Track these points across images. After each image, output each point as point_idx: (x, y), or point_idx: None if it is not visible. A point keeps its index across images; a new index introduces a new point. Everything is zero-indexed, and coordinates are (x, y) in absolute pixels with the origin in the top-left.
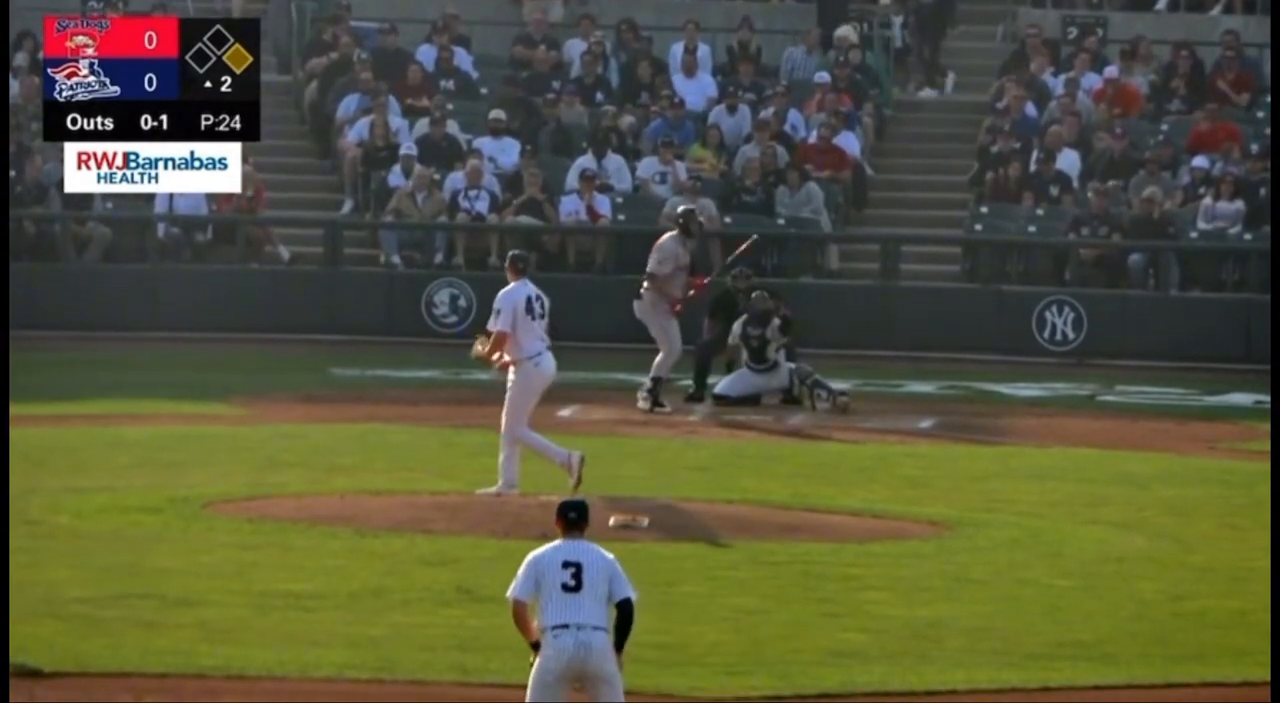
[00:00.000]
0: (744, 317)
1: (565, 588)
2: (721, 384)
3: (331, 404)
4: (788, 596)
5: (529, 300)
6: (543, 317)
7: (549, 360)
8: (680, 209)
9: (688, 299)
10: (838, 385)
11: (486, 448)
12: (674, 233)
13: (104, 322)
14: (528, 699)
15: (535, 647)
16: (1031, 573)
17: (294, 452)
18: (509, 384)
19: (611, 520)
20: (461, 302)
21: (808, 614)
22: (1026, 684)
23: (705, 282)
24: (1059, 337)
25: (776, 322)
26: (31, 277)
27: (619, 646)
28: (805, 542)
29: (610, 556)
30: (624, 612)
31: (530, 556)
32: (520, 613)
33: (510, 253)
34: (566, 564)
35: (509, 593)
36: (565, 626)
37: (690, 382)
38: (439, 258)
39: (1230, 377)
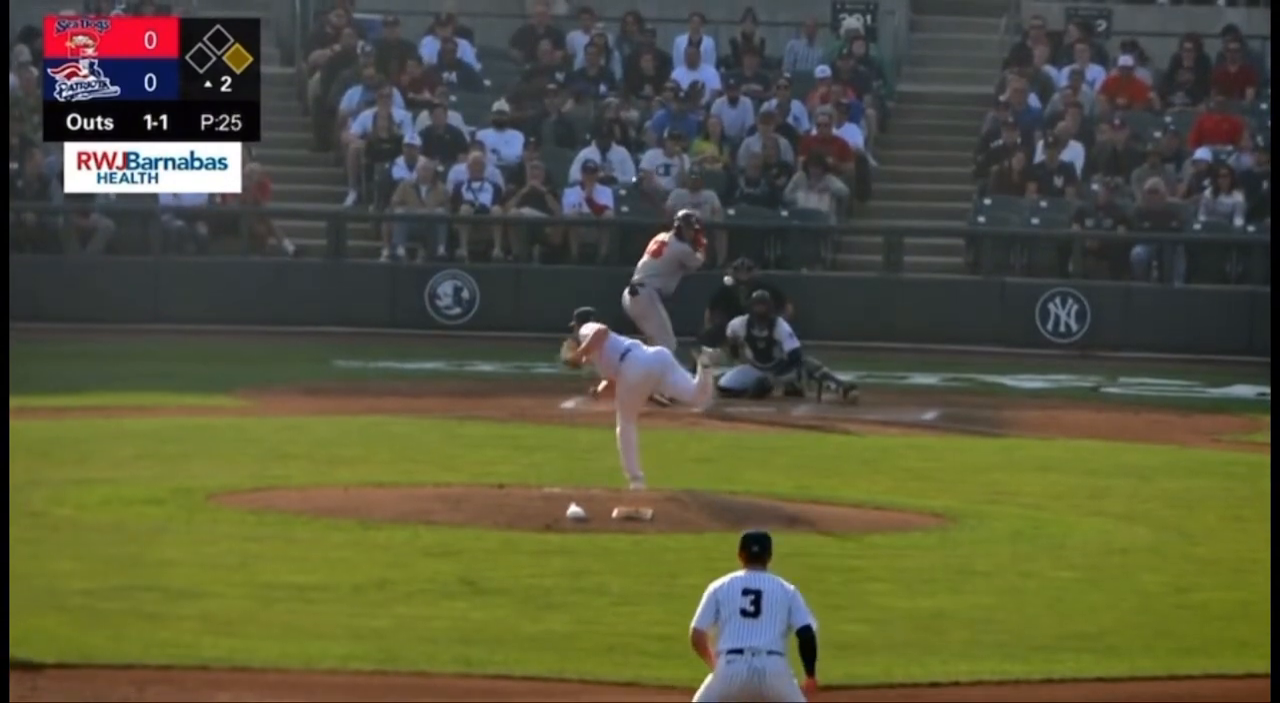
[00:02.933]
0: (746, 317)
1: (744, 614)
2: (726, 377)
3: (335, 396)
4: None
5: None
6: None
7: (638, 352)
8: (681, 214)
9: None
10: (845, 378)
11: (490, 440)
12: (673, 233)
13: (107, 314)
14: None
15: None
16: (1034, 565)
17: (297, 444)
18: (616, 387)
19: (615, 512)
20: (464, 293)
21: (811, 606)
22: (1029, 676)
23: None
24: (1062, 329)
25: (788, 337)
26: (34, 269)
27: (809, 670)
28: (808, 533)
29: (792, 586)
30: (805, 639)
31: (711, 586)
32: (699, 642)
33: (577, 311)
34: (746, 591)
35: (692, 624)
36: (740, 650)
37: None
38: (442, 250)
39: (1233, 369)
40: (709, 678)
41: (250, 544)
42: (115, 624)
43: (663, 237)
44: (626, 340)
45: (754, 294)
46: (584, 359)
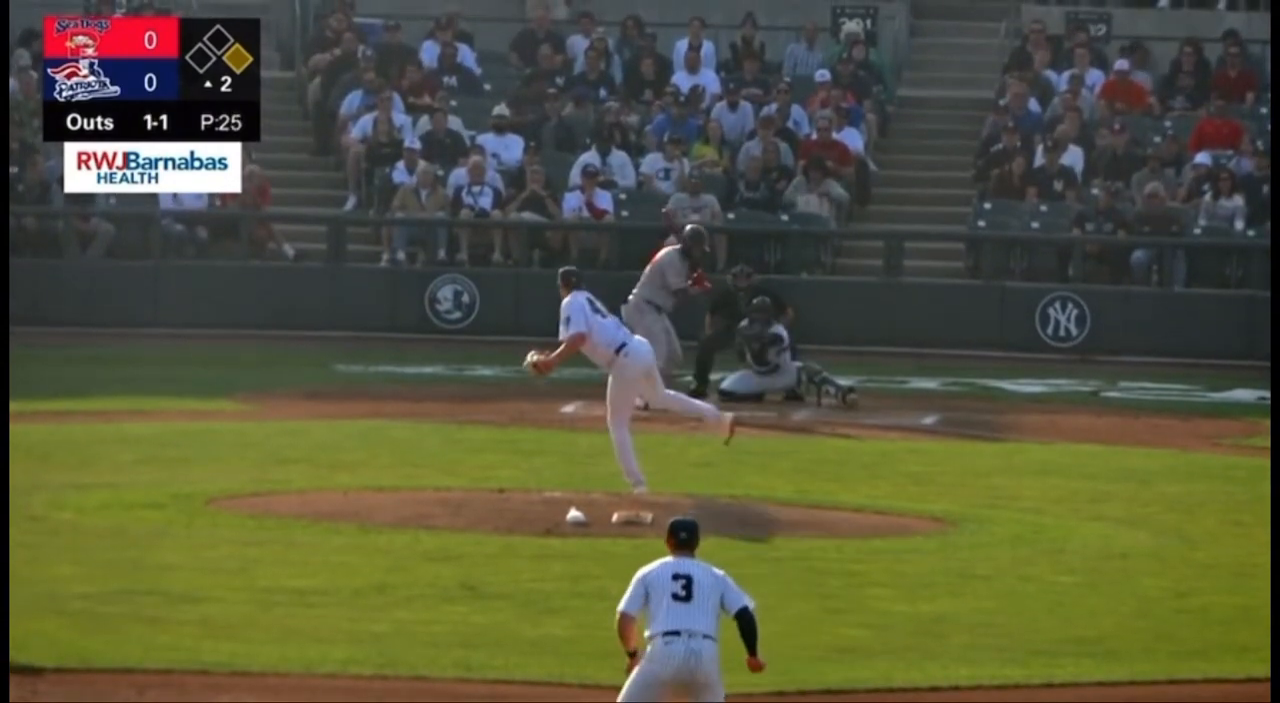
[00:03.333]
0: (746, 320)
1: (676, 598)
2: (728, 381)
3: (335, 400)
4: (791, 592)
5: (590, 301)
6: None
7: (637, 345)
8: (689, 229)
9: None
10: (845, 382)
11: (490, 444)
12: (678, 248)
13: (107, 318)
14: (621, 699)
15: (632, 655)
16: (1035, 569)
17: (297, 448)
18: (609, 382)
19: (615, 517)
20: (464, 298)
21: (811, 611)
22: (1030, 681)
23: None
24: (1062, 333)
25: (782, 330)
26: (34, 273)
27: (753, 649)
28: (808, 538)
29: (720, 571)
30: (745, 620)
31: (639, 573)
32: (626, 626)
33: (561, 269)
34: (676, 576)
35: (620, 607)
36: (676, 633)
37: (692, 378)
38: (442, 254)
39: (1234, 373)
40: (639, 666)
41: (250, 549)
42: (115, 628)
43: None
44: (623, 331)
45: (754, 301)
46: (552, 368)
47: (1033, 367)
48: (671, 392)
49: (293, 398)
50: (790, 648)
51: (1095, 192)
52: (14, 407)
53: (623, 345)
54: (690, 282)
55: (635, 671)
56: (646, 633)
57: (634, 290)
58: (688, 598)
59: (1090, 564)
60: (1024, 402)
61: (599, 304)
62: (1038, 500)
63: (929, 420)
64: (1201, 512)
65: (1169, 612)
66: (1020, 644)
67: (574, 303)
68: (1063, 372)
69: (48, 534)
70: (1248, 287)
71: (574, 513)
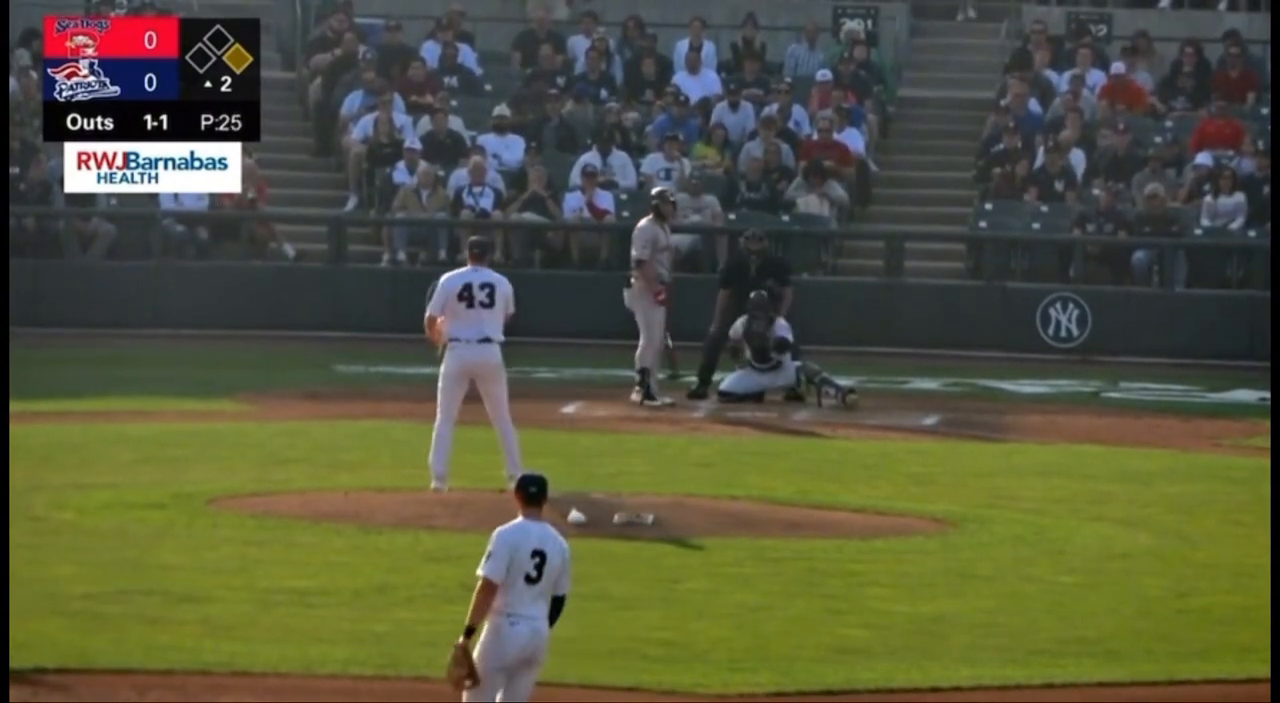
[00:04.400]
0: (746, 316)
1: (528, 579)
2: (727, 381)
3: (335, 401)
4: (791, 592)
5: (466, 287)
6: (486, 305)
7: (463, 350)
8: (654, 191)
9: (670, 288)
10: (845, 382)
11: (490, 444)
12: (649, 217)
13: (108, 318)
14: (464, 699)
15: (469, 631)
16: (1035, 570)
17: (298, 448)
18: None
19: (616, 517)
20: None
21: (811, 611)
22: (1030, 681)
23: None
24: (1063, 333)
25: (782, 329)
26: (35, 273)
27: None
28: (809, 538)
29: (565, 546)
30: (556, 606)
31: (500, 533)
32: (489, 595)
33: (471, 238)
34: (535, 554)
35: (486, 572)
36: (523, 615)
37: (694, 377)
38: (443, 254)
39: (1234, 373)
40: (478, 642)
41: (251, 549)
42: (116, 629)
43: (642, 222)
44: (476, 328)
45: (751, 296)
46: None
47: (1033, 367)
48: (509, 426)
49: (293, 398)
50: (790, 648)
51: (1096, 192)
52: (14, 407)
53: (454, 340)
54: (656, 294)
55: (475, 652)
56: (493, 603)
57: (631, 275)
58: (538, 580)
59: (1091, 565)
60: (1025, 402)
61: (486, 293)
62: (1038, 501)
63: (929, 421)
64: (1202, 512)
65: (1169, 612)
66: (1021, 645)
67: (449, 280)
68: (1063, 372)
69: (48, 535)
70: (1249, 287)
71: (574, 514)
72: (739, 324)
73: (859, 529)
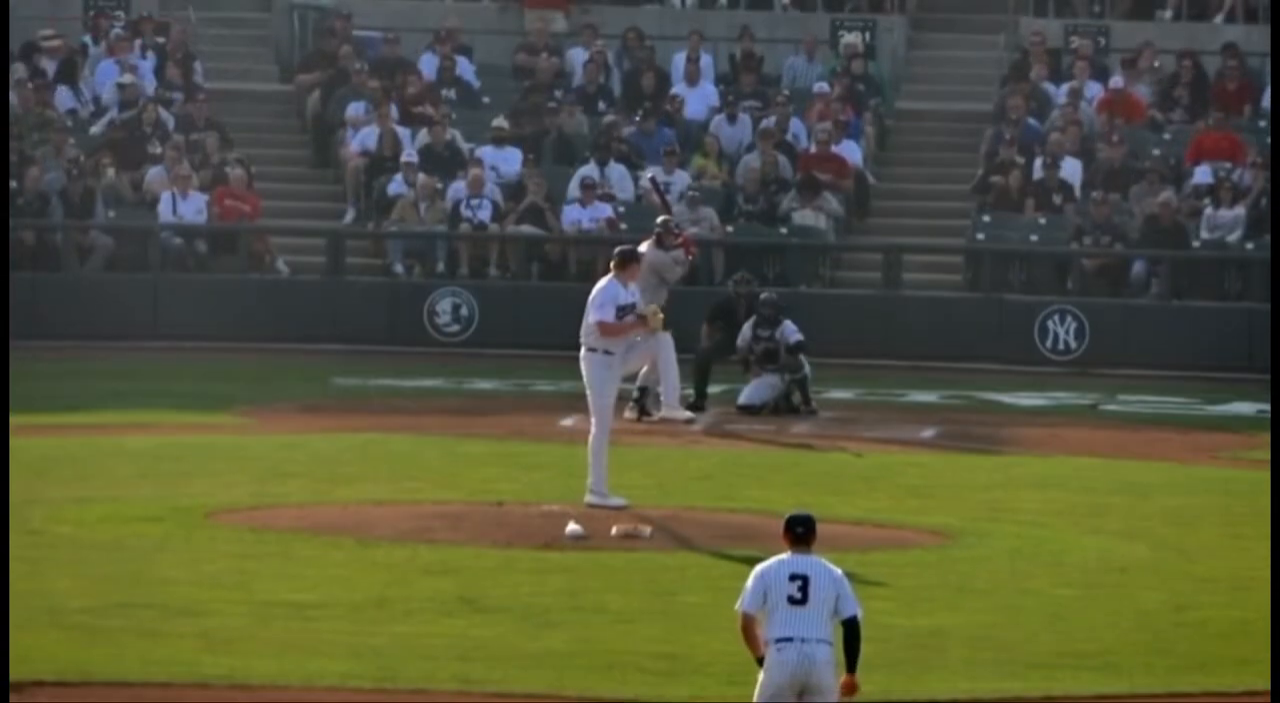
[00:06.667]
0: (753, 318)
1: (791, 601)
2: (744, 394)
3: (334, 414)
4: None
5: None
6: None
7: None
8: (659, 220)
9: (688, 246)
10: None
11: (489, 457)
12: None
13: (106, 331)
14: None
15: (760, 662)
16: (1034, 582)
17: (296, 461)
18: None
19: (614, 530)
20: (463, 311)
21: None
22: (1028, 694)
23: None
24: (1061, 346)
25: (792, 332)
26: (33, 286)
27: (850, 667)
28: None
29: (839, 571)
30: (850, 631)
31: (757, 569)
32: (749, 627)
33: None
34: (794, 577)
35: (738, 606)
36: (789, 639)
37: (691, 391)
38: (441, 267)
39: (1232, 386)
40: (762, 674)
41: (249, 562)
42: (114, 642)
43: (642, 247)
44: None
45: (761, 297)
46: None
47: (1031, 379)
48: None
49: (291, 411)
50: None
51: (1092, 205)
52: (13, 420)
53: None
54: (681, 250)
55: (759, 683)
56: (762, 638)
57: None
58: (803, 601)
59: (1089, 577)
60: (1023, 414)
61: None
62: (1036, 513)
63: (928, 433)
64: (1200, 525)
65: (1168, 625)
66: (1019, 657)
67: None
68: (1061, 384)
69: (47, 548)
70: (1247, 299)
71: (573, 526)
72: (746, 329)
73: (857, 542)
